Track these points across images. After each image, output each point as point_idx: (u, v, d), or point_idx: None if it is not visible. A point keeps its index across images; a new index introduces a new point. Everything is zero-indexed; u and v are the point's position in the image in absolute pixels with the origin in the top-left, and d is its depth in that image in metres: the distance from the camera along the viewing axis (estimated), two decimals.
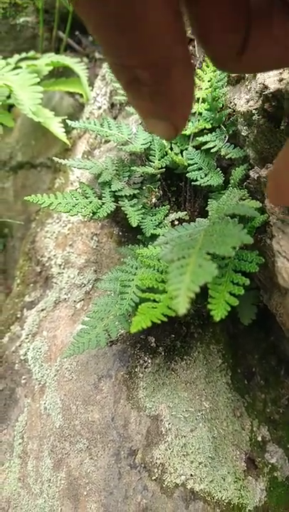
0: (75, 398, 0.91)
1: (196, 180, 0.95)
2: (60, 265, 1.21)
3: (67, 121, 0.98)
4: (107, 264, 1.10)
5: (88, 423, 0.87)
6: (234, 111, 0.92)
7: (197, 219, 0.77)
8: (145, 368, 0.91)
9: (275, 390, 1.13)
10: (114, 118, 1.24)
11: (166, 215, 0.95)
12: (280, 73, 0.76)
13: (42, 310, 1.15)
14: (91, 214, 0.87)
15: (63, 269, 1.20)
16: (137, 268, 0.85)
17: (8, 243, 1.79)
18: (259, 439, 1.04)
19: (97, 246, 1.15)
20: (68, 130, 1.40)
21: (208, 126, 0.95)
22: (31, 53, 1.64)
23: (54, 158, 0.95)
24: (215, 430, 0.95)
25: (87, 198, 0.90)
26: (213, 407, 0.96)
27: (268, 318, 1.05)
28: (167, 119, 0.40)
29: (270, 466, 1.02)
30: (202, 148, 0.96)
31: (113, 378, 0.89)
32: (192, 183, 0.95)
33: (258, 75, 0.83)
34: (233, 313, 1.12)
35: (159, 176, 0.99)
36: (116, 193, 0.93)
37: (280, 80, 0.74)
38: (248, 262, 0.73)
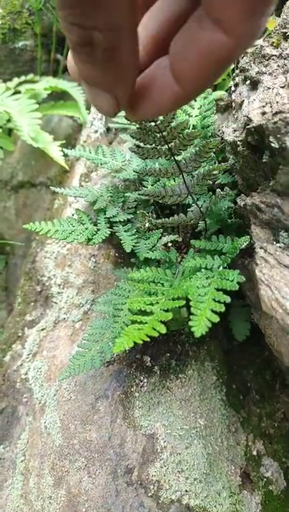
0: (74, 418, 0.94)
1: (189, 205, 0.99)
2: (59, 285, 1.25)
3: (64, 149, 1.02)
4: (104, 285, 1.14)
5: (86, 442, 0.91)
6: (222, 139, 0.96)
7: None
8: (141, 387, 0.95)
9: (270, 404, 1.16)
10: (110, 143, 1.28)
11: (160, 239, 0.99)
12: (263, 106, 0.80)
13: (42, 329, 1.19)
14: (87, 240, 0.91)
15: (63, 288, 1.24)
16: (129, 291, 0.89)
17: (10, 261, 1.83)
18: (254, 453, 1.07)
19: (94, 267, 1.19)
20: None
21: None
22: (30, 76, 1.69)
23: (51, 187, 0.99)
24: (210, 446, 0.98)
25: (83, 224, 0.95)
26: (208, 424, 0.99)
27: (262, 334, 1.08)
28: (111, 90, 0.38)
29: (265, 479, 1.05)
30: (193, 173, 1.00)
31: (110, 398, 0.93)
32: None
33: (244, 107, 0.88)
34: (227, 330, 1.15)
35: (152, 200, 1.03)
36: (111, 219, 0.97)
37: (263, 113, 0.78)
38: (230, 280, 0.76)
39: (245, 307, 1.13)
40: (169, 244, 1.06)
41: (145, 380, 0.96)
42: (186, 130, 0.74)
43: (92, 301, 1.15)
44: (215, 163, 0.99)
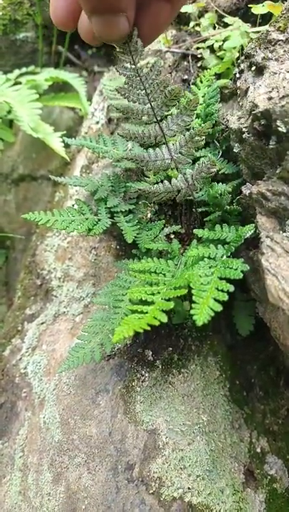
0: (73, 413, 0.92)
1: (191, 195, 0.96)
2: (59, 278, 1.23)
3: (65, 138, 1.00)
4: (105, 278, 1.11)
5: (86, 437, 0.88)
6: (227, 127, 0.94)
7: None
8: (142, 381, 0.92)
9: (274, 400, 1.13)
10: (112, 133, 1.25)
11: (162, 230, 0.97)
12: (270, 91, 0.77)
13: (42, 323, 1.17)
14: (87, 231, 0.88)
15: (63, 282, 1.22)
16: (130, 282, 0.87)
17: (10, 255, 1.81)
18: (258, 450, 1.04)
19: (95, 259, 1.16)
20: (68, 144, 1.42)
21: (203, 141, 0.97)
22: (31, 68, 1.67)
23: (50, 176, 0.96)
24: (213, 443, 0.95)
25: (83, 214, 0.92)
26: (211, 420, 0.97)
27: (267, 328, 1.05)
28: (125, 10, 0.52)
29: (269, 477, 1.02)
30: (196, 162, 0.97)
31: (110, 393, 0.90)
32: (187, 197, 0.97)
33: (249, 93, 0.85)
34: (231, 325, 1.13)
35: None
36: (112, 209, 0.94)
37: (269, 99, 0.75)
38: (233, 269, 0.73)
39: (250, 301, 1.10)
40: (172, 236, 1.03)
41: (147, 375, 0.93)
42: (168, 87, 0.74)
43: (92, 295, 1.12)
44: (218, 152, 0.97)
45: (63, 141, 1.37)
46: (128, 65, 0.72)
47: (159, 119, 0.78)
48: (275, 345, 1.20)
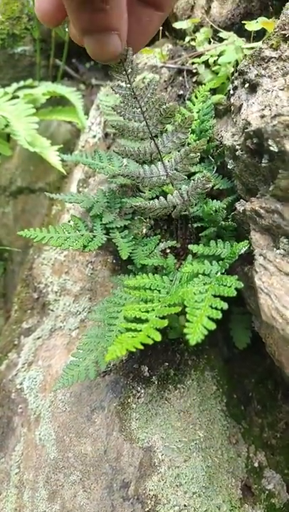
0: (69, 430, 0.91)
1: (186, 210, 0.97)
2: (56, 292, 1.23)
3: (61, 154, 1.00)
4: (102, 293, 1.11)
5: (81, 455, 0.88)
6: (221, 143, 0.94)
7: None
8: (138, 398, 0.92)
9: (272, 414, 1.13)
10: (108, 147, 1.26)
11: (157, 245, 0.97)
12: (262, 109, 0.78)
13: (38, 338, 1.17)
14: (82, 247, 0.88)
15: (59, 296, 1.22)
16: (125, 299, 0.87)
17: (8, 267, 1.81)
18: (256, 465, 1.03)
19: (92, 274, 1.17)
20: None
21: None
22: (29, 81, 1.68)
23: (46, 193, 0.97)
24: (209, 459, 0.95)
25: (78, 231, 0.92)
26: (208, 436, 0.96)
27: (263, 341, 1.05)
28: (118, 28, 0.51)
29: (267, 492, 1.01)
30: (191, 178, 0.98)
31: (106, 410, 0.90)
32: (183, 213, 0.97)
33: (242, 110, 0.85)
34: (227, 338, 1.12)
35: None
36: (107, 226, 0.94)
37: (262, 117, 0.75)
38: (227, 286, 0.73)
39: (246, 314, 1.10)
40: (167, 251, 1.03)
41: (142, 391, 0.93)
42: (164, 106, 0.75)
43: (89, 309, 1.12)
44: (213, 168, 0.97)
45: (60, 156, 1.39)
46: (123, 84, 0.73)
47: (154, 136, 0.78)
48: (272, 359, 1.20)
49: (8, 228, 1.79)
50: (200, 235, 0.97)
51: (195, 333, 0.62)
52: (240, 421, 1.06)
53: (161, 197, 0.84)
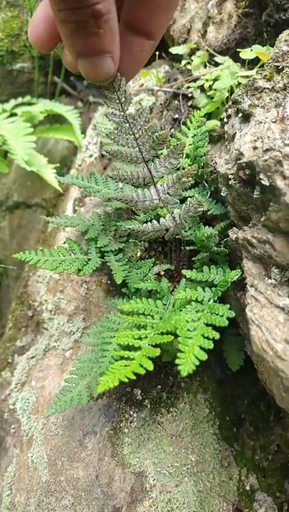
0: (61, 454, 0.91)
1: (179, 233, 0.98)
2: (50, 311, 1.23)
3: (57, 176, 1.01)
4: (96, 313, 1.12)
5: (73, 480, 0.88)
6: (215, 169, 0.96)
7: None
8: (130, 422, 0.92)
9: (264, 436, 1.13)
10: (104, 168, 1.27)
11: (151, 268, 0.98)
12: (255, 140, 0.79)
13: (32, 357, 1.17)
14: (77, 271, 0.89)
15: (54, 314, 1.22)
16: (119, 324, 0.87)
17: (3, 281, 1.82)
18: (247, 488, 1.04)
19: (86, 294, 1.17)
20: (64, 175, 1.44)
21: (191, 181, 0.99)
22: (27, 98, 1.70)
23: (42, 216, 0.98)
24: (201, 483, 0.95)
25: (73, 254, 0.93)
26: (200, 460, 0.97)
27: None
28: (111, 51, 0.53)
29: None
30: (184, 203, 0.99)
31: (98, 435, 0.90)
32: (176, 236, 0.98)
33: (236, 139, 0.87)
34: (221, 359, 1.13)
35: None
36: (102, 249, 0.95)
37: (254, 148, 0.77)
38: (220, 315, 0.74)
39: (239, 336, 1.11)
40: (162, 273, 1.04)
41: (135, 415, 0.93)
42: (156, 133, 0.76)
43: (82, 329, 1.13)
44: (207, 193, 0.99)
45: (61, 173, 1.40)
46: (117, 112, 0.75)
47: (147, 161, 0.80)
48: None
49: (3, 243, 1.80)
50: (193, 259, 0.98)
51: (186, 363, 0.63)
52: (233, 443, 1.06)
53: (154, 220, 0.86)
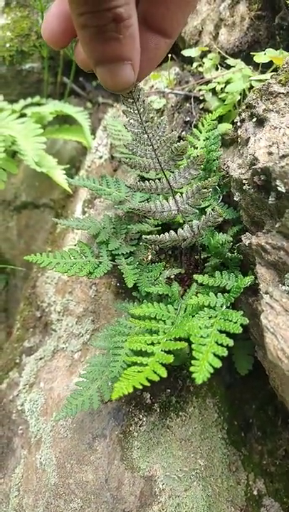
0: (70, 457, 0.91)
1: (195, 242, 0.98)
2: (59, 312, 1.23)
3: (67, 178, 1.01)
4: (105, 315, 1.12)
5: (82, 483, 0.88)
6: (227, 173, 0.95)
7: None
8: (140, 426, 0.92)
9: (272, 441, 1.13)
10: (114, 170, 1.27)
11: (162, 271, 0.97)
12: (270, 146, 0.79)
13: (40, 359, 1.17)
14: (88, 274, 0.89)
15: (62, 316, 1.22)
16: (130, 328, 0.87)
17: (11, 281, 1.82)
18: (255, 492, 1.03)
19: (95, 295, 1.17)
20: (72, 175, 1.44)
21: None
22: (36, 99, 1.70)
23: (53, 219, 0.98)
24: (209, 488, 0.95)
25: (85, 257, 0.93)
26: (208, 465, 0.97)
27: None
28: (131, 58, 0.51)
29: None
30: (203, 214, 0.98)
31: (108, 438, 0.90)
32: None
33: (250, 144, 0.87)
34: (230, 363, 1.13)
35: (155, 232, 1.02)
36: (113, 252, 0.95)
37: (270, 154, 0.77)
38: (233, 322, 0.74)
39: (249, 340, 1.10)
40: (172, 277, 1.04)
41: (144, 419, 0.93)
42: (175, 144, 0.76)
43: (91, 332, 1.13)
44: (219, 197, 0.98)
45: (69, 174, 1.40)
46: (136, 123, 0.74)
47: (165, 171, 0.79)
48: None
49: (11, 242, 1.80)
50: (205, 264, 0.97)
51: (201, 371, 0.63)
52: (241, 448, 1.06)
53: (171, 231, 0.85)
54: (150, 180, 0.79)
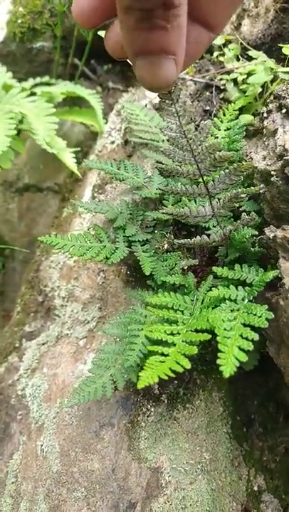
0: (75, 444, 0.89)
1: (209, 228, 0.96)
2: (63, 298, 1.21)
3: (85, 160, 0.98)
4: (113, 303, 1.09)
5: (87, 472, 0.86)
6: (250, 164, 0.93)
7: None
8: (148, 416, 0.90)
9: (272, 437, 1.12)
10: (129, 156, 1.24)
11: (178, 262, 0.95)
12: None
13: (43, 344, 1.14)
14: (105, 259, 0.87)
15: (67, 302, 1.19)
16: (146, 316, 0.85)
17: (9, 264, 1.78)
18: (255, 488, 1.03)
19: (103, 283, 1.15)
20: (79, 160, 1.41)
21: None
22: (46, 79, 1.65)
23: (72, 201, 0.95)
24: (214, 482, 0.94)
25: (101, 241, 0.90)
26: (213, 458, 0.96)
27: (268, 363, 1.05)
28: (175, 52, 0.46)
29: None
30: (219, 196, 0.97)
31: (115, 427, 0.88)
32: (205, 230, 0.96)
33: (278, 135, 0.85)
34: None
35: (171, 220, 0.99)
36: (130, 238, 0.93)
37: None
38: (258, 316, 0.72)
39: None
40: (185, 267, 1.02)
41: (152, 410, 0.91)
42: (218, 152, 0.72)
43: (98, 319, 1.10)
44: (240, 188, 0.96)
45: (76, 158, 1.36)
46: (174, 126, 0.69)
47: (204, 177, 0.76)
48: (275, 381, 1.19)
49: (11, 225, 1.75)
50: (216, 256, 0.96)
51: (228, 365, 0.61)
52: (242, 443, 1.06)
53: (204, 236, 0.82)
54: (186, 185, 0.76)
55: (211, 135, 1.02)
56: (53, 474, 0.90)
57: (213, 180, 0.78)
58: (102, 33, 1.03)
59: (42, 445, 0.95)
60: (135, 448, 0.87)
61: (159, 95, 0.63)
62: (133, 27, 0.44)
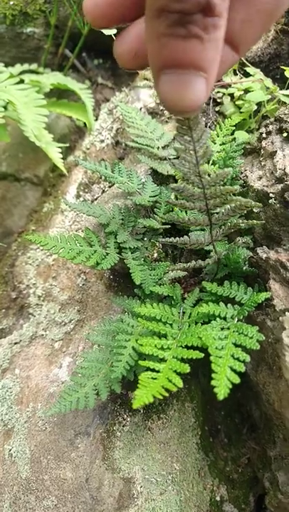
0: (47, 451, 0.87)
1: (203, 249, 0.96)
2: (39, 296, 1.17)
3: (79, 160, 0.96)
4: (93, 307, 1.07)
5: (59, 480, 0.84)
6: (245, 183, 0.95)
7: None
8: (123, 426, 0.90)
9: (236, 448, 1.15)
10: (120, 158, 1.22)
11: (166, 272, 0.95)
12: None
13: (15, 343, 1.10)
14: (95, 264, 0.85)
15: (43, 301, 1.16)
16: (133, 327, 0.84)
17: None
18: (218, 498, 1.05)
19: (84, 285, 1.12)
20: (64, 156, 1.37)
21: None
22: (34, 66, 1.60)
23: (64, 199, 0.92)
24: (182, 493, 0.94)
25: (91, 246, 0.88)
26: (182, 469, 0.96)
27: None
28: (208, 69, 0.39)
29: None
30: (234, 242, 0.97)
31: (91, 437, 0.87)
32: None
33: (277, 158, 0.86)
34: (208, 368, 1.13)
35: (163, 230, 0.99)
36: (121, 245, 0.91)
37: None
38: (249, 337, 0.73)
39: None
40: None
41: (128, 419, 0.91)
42: (237, 202, 0.69)
43: (76, 322, 1.08)
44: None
45: (61, 153, 1.32)
46: (188, 156, 0.63)
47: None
48: (242, 392, 1.22)
49: None
50: (203, 270, 0.97)
51: (222, 387, 0.62)
52: (208, 453, 1.07)
53: (199, 260, 0.82)
54: (191, 216, 0.74)
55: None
56: (22, 480, 0.87)
57: (216, 213, 0.77)
58: (107, 32, 0.98)
59: (10, 449, 0.92)
60: (110, 458, 0.86)
61: (177, 121, 0.56)
62: (164, 33, 0.36)
